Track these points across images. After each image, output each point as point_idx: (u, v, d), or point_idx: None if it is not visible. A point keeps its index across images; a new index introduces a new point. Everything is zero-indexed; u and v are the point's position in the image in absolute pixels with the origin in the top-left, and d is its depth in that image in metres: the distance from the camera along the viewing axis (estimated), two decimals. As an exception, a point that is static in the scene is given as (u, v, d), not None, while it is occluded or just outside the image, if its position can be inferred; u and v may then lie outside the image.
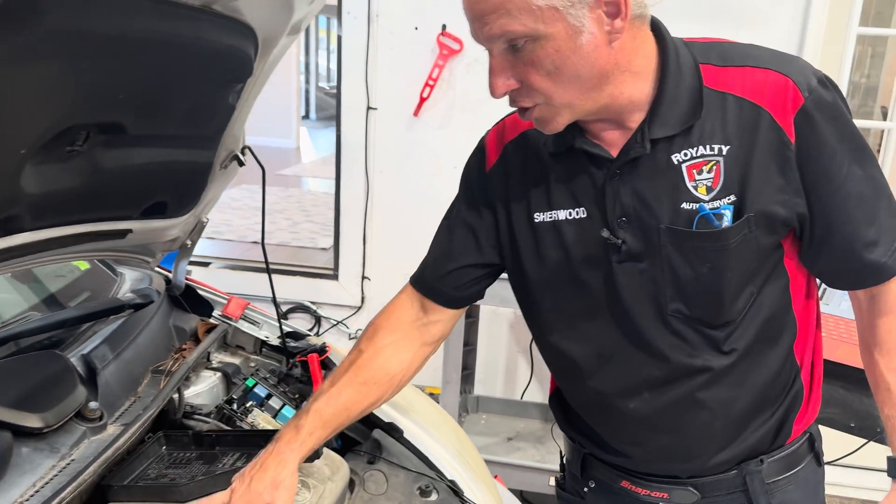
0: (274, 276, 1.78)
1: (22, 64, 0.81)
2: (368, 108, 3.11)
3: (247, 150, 1.56)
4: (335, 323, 3.38)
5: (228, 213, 6.45)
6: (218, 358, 1.69)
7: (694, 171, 1.03)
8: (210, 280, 1.96)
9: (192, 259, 1.74)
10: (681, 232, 1.04)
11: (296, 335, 1.76)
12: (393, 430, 1.52)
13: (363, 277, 3.33)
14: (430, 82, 3.02)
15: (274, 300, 1.75)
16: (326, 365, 1.66)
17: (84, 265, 1.73)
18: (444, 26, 2.97)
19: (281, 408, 1.58)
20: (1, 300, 1.59)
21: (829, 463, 1.29)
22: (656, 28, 1.04)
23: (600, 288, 1.11)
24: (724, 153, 1.02)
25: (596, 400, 1.19)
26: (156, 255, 1.67)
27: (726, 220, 1.02)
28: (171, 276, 1.75)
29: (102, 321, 1.51)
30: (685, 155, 1.03)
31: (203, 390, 1.57)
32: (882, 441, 1.54)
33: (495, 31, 0.95)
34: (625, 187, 1.05)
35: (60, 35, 0.83)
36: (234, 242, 5.78)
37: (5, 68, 0.79)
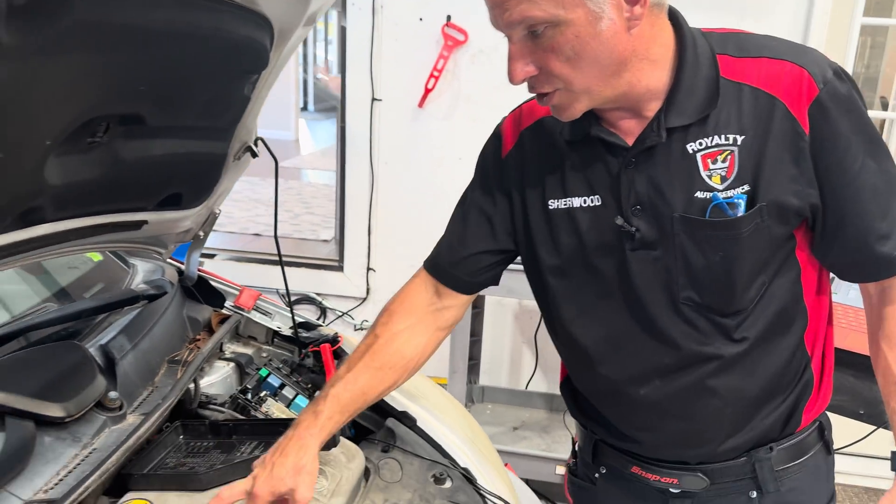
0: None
1: (51, 55, 0.82)
2: (373, 99, 3.11)
3: (259, 142, 1.56)
4: (340, 314, 3.40)
5: (229, 205, 6.37)
6: (230, 348, 1.70)
7: (709, 160, 1.04)
8: (215, 272, 1.96)
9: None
10: (694, 220, 1.04)
11: (307, 325, 1.77)
12: (406, 419, 1.53)
13: (368, 269, 3.34)
14: (435, 73, 3.01)
15: (287, 291, 1.77)
16: (339, 355, 1.67)
17: (97, 256, 1.74)
18: (448, 17, 2.97)
19: (294, 397, 1.60)
20: (17, 292, 1.60)
21: (837, 450, 1.30)
22: (674, 17, 1.04)
23: (613, 275, 1.12)
24: (739, 143, 1.03)
25: (607, 386, 1.20)
26: (168, 246, 1.68)
27: (739, 210, 1.03)
28: (182, 267, 1.76)
29: (117, 312, 1.52)
30: (700, 144, 1.04)
31: (217, 380, 1.58)
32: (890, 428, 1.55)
33: (515, 16, 0.95)
34: (640, 176, 1.06)
35: (88, 27, 0.84)
36: (236, 234, 5.78)
37: (36, 60, 0.80)
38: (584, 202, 1.11)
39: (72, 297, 1.63)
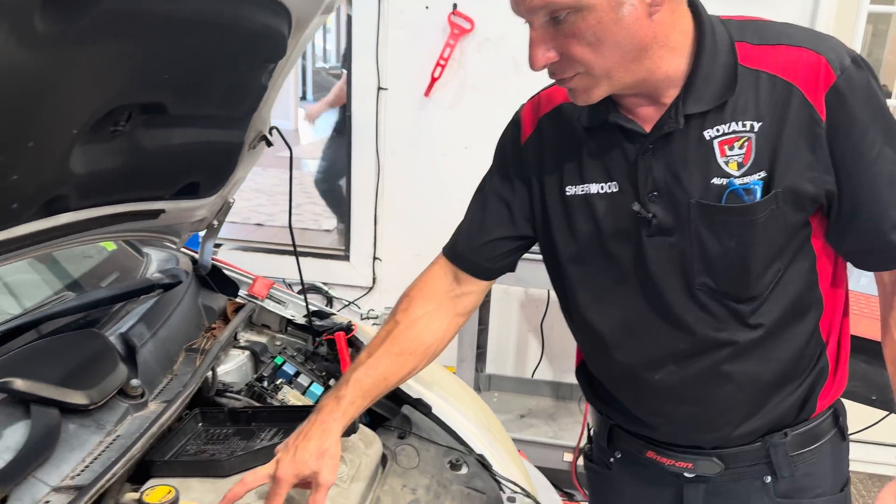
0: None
1: (82, 44, 0.83)
2: (379, 88, 3.11)
3: (274, 131, 1.57)
4: (347, 304, 3.41)
5: (230, 196, 6.42)
6: (245, 337, 1.71)
7: (726, 146, 1.04)
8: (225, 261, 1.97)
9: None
10: (710, 207, 1.05)
11: (321, 314, 1.78)
12: (421, 406, 1.55)
13: (374, 258, 3.35)
14: (441, 62, 3.01)
15: (301, 280, 1.77)
16: (353, 343, 1.68)
17: (111, 246, 1.74)
18: (454, 5, 2.96)
19: (309, 385, 1.61)
20: (33, 281, 1.61)
21: (851, 435, 1.31)
22: (693, 5, 1.05)
23: (629, 261, 1.12)
24: (756, 130, 1.03)
25: (622, 372, 1.21)
26: (182, 235, 1.68)
27: (756, 196, 1.04)
28: (195, 256, 1.77)
29: (134, 301, 1.53)
30: (717, 131, 1.04)
31: (232, 368, 1.59)
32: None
33: (538, 2, 0.95)
34: (657, 162, 1.07)
35: (118, 15, 0.84)
36: (238, 224, 5.79)
37: (68, 49, 0.81)
38: (602, 188, 1.12)
39: (89, 286, 1.64)
